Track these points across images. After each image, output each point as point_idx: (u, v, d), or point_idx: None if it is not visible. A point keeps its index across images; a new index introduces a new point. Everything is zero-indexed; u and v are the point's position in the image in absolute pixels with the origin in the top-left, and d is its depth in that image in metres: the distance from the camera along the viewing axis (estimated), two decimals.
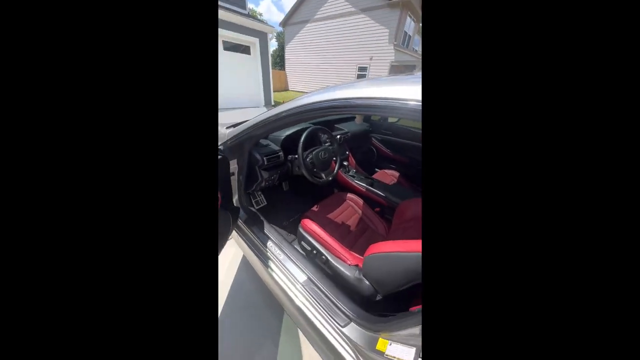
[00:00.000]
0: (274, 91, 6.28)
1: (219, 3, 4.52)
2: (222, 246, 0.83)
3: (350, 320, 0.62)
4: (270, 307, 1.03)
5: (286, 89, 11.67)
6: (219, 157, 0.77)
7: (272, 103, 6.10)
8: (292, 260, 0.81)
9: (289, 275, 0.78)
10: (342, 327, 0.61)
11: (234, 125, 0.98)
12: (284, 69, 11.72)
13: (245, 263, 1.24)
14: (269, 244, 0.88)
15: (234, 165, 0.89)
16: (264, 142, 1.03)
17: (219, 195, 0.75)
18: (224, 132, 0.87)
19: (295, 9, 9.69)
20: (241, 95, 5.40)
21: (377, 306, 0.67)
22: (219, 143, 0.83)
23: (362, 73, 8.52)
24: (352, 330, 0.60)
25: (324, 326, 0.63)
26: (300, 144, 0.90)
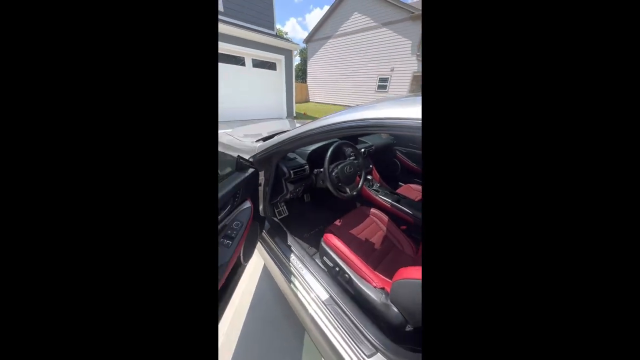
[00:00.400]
0: (295, 102, 6.58)
1: (250, 26, 5.00)
2: (251, 254, 0.85)
3: (377, 350, 0.57)
4: (290, 322, 1.01)
5: (307, 100, 12.15)
6: (251, 170, 0.80)
7: (294, 114, 6.37)
8: (314, 275, 0.79)
9: (310, 291, 0.76)
10: (367, 357, 0.56)
11: (264, 139, 1.03)
12: (306, 82, 12.29)
13: (266, 273, 1.25)
14: (292, 256, 0.88)
15: (261, 177, 0.92)
16: (290, 155, 1.07)
17: (252, 207, 0.77)
18: (254, 146, 0.92)
19: (318, 27, 10.25)
20: (265, 108, 5.75)
21: (407, 338, 0.62)
22: (249, 156, 0.88)
23: (382, 84, 8.51)
24: None
25: (347, 353, 0.59)
26: (327, 158, 0.91)
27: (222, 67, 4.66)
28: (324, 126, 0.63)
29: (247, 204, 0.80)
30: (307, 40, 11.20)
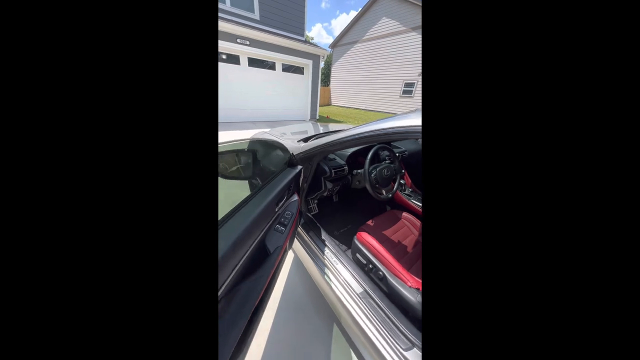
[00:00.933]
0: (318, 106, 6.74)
1: (282, 32, 5.27)
2: (292, 243, 0.92)
3: (413, 345, 0.60)
4: (320, 311, 1.06)
5: (329, 104, 12.32)
6: (300, 167, 0.88)
7: (317, 117, 6.51)
8: (348, 269, 0.84)
9: (344, 284, 0.80)
10: (403, 350, 0.59)
11: (305, 140, 1.12)
12: (328, 86, 12.49)
13: (296, 264, 1.32)
14: (326, 250, 0.93)
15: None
16: (330, 156, 1.14)
17: (299, 200, 0.84)
18: (298, 146, 1.00)
19: (345, 31, 10.39)
20: (290, 110, 5.98)
21: None
22: (295, 153, 0.96)
23: (408, 89, 8.31)
24: (416, 357, 0.57)
25: (382, 345, 0.62)
26: (367, 160, 0.95)
27: (255, 71, 4.98)
28: (373, 130, 0.68)
29: (296, 197, 0.88)
30: (333, 45, 11.40)
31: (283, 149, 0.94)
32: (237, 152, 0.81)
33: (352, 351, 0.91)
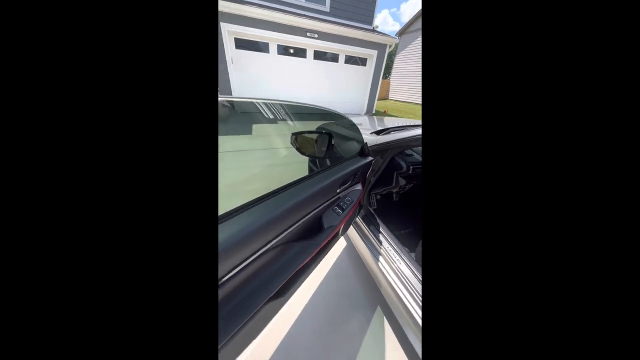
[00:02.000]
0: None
1: (350, 23, 5.17)
2: (347, 230, 0.96)
3: None
4: (369, 302, 1.08)
5: (385, 98, 11.54)
6: (370, 158, 0.89)
7: (373, 111, 6.24)
8: (411, 269, 0.81)
9: (406, 282, 0.79)
10: None
11: (377, 133, 1.11)
12: (387, 78, 11.63)
13: (348, 252, 1.38)
14: (387, 246, 0.93)
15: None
16: (407, 152, 1.10)
17: (362, 190, 0.86)
18: (371, 138, 1.00)
19: (419, 14, 9.27)
20: (347, 103, 5.94)
21: None
22: (369, 145, 0.97)
23: None
24: None
25: None
26: None
27: (318, 63, 5.14)
28: None
29: (359, 187, 0.90)
30: (401, 32, 10.41)
31: (358, 139, 0.96)
32: (318, 135, 0.88)
33: (386, 325, 0.90)
